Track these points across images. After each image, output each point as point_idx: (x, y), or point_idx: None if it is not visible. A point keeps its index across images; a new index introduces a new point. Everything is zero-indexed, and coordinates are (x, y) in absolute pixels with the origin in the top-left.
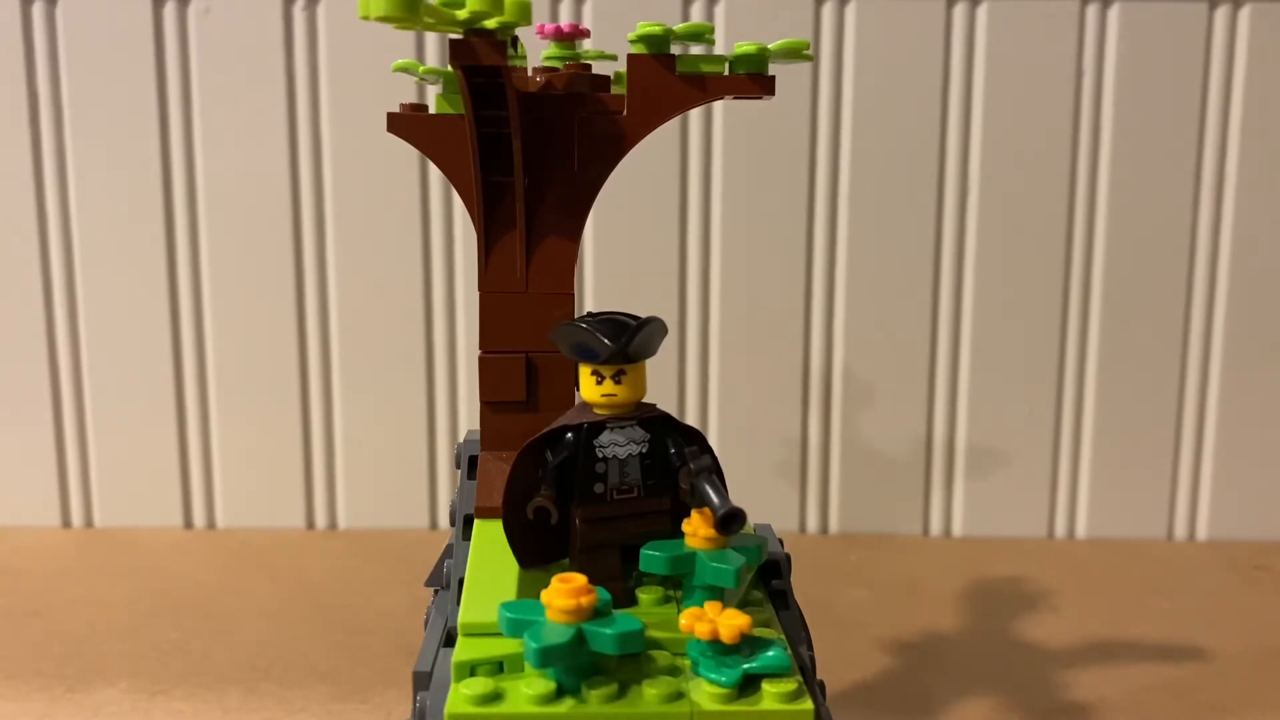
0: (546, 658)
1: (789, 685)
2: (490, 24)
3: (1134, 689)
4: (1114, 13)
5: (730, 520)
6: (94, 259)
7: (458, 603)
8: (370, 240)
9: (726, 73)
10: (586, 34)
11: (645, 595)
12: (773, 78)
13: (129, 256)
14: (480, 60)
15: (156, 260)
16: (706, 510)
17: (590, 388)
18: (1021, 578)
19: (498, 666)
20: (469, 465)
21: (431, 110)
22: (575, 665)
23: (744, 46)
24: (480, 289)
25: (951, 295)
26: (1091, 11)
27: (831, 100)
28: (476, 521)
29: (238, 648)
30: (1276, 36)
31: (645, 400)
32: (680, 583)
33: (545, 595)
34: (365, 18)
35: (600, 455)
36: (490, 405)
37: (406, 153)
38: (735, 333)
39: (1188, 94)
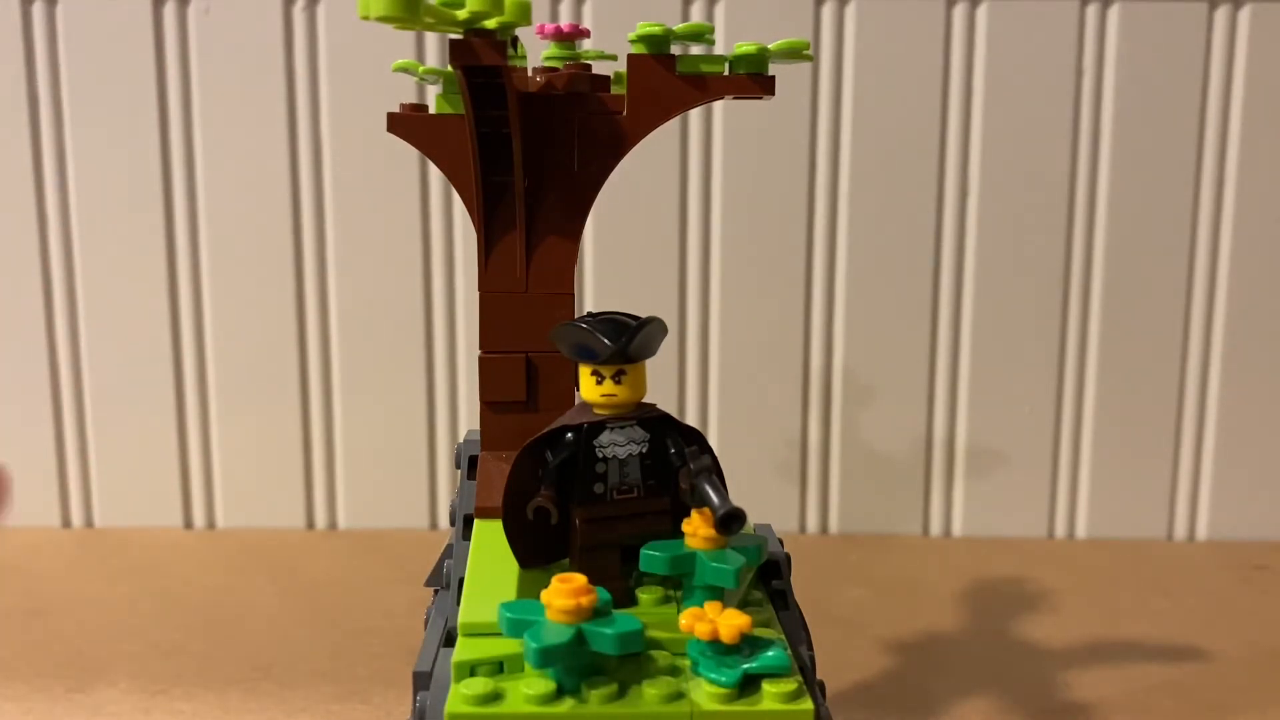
0: (546, 658)
1: (789, 685)
2: (490, 24)
3: (1134, 689)
4: (1114, 13)
5: (730, 520)
6: (94, 259)
7: (458, 603)
8: (370, 240)
9: (726, 73)
10: (586, 34)
11: (645, 595)
12: (773, 78)
13: (129, 256)
14: (480, 60)
15: (156, 260)
16: (706, 510)
17: (590, 388)
18: (1021, 578)
19: (498, 666)
20: (469, 465)
21: (431, 110)
22: (575, 665)
23: (744, 46)
24: (480, 289)
25: (951, 295)
26: (1091, 11)
27: (831, 100)
28: (476, 521)
29: (238, 648)
30: (1276, 36)
31: (645, 400)
32: (680, 583)
33: (545, 595)
34: (365, 18)
35: (600, 455)
36: (490, 405)
37: (406, 153)
38: (735, 333)
39: (1188, 94)
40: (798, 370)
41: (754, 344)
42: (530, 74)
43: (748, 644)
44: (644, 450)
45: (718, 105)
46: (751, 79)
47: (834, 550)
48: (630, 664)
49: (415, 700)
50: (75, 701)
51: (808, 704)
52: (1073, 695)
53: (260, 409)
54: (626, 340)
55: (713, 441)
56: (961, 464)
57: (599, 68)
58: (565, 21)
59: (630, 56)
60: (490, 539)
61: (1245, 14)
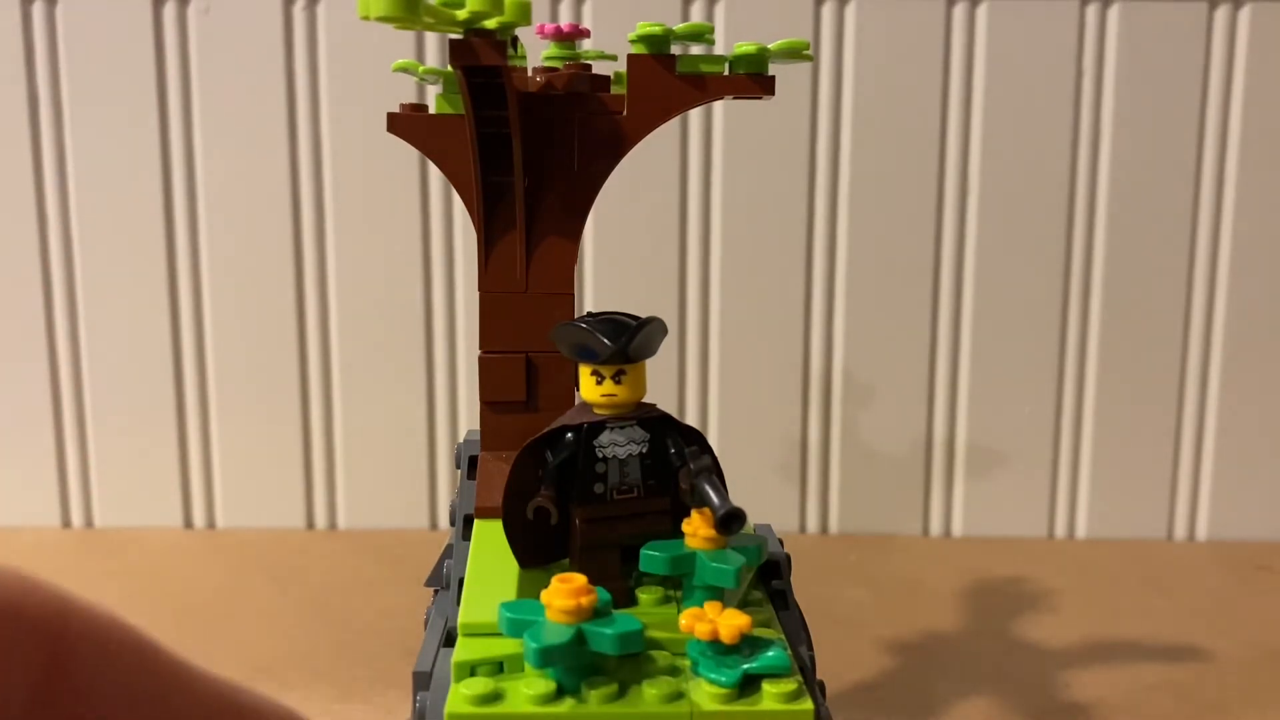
0: (546, 658)
1: (789, 685)
2: (490, 24)
3: (1134, 689)
4: (1114, 13)
5: (730, 520)
6: (94, 259)
7: (458, 603)
8: (370, 241)
9: (726, 73)
10: (586, 34)
11: (645, 595)
12: (773, 78)
13: (129, 257)
14: (480, 60)
15: (156, 260)
16: (706, 510)
17: (590, 388)
18: (1021, 578)
19: (498, 666)
20: (469, 465)
21: (431, 110)
22: (575, 665)
23: (744, 46)
24: (480, 289)
25: (951, 295)
26: (1091, 11)
27: (831, 100)
28: (476, 521)
29: (238, 648)
30: (1276, 36)
31: (645, 400)
32: (680, 583)
33: (545, 595)
34: (365, 18)
35: (600, 455)
36: (490, 405)
37: (406, 153)
38: (735, 333)
39: (1188, 94)
40: (798, 370)
41: (754, 344)
42: (530, 74)
43: (748, 644)
44: (644, 450)
45: (718, 105)
46: (751, 79)
47: (834, 550)
48: (630, 664)
49: (415, 700)
50: None
51: (808, 704)
52: (1073, 695)
53: (260, 409)
54: (626, 340)
55: (713, 441)
56: (961, 464)
57: (599, 68)
58: (565, 21)
59: (630, 56)
60: (490, 539)
61: (1245, 14)
